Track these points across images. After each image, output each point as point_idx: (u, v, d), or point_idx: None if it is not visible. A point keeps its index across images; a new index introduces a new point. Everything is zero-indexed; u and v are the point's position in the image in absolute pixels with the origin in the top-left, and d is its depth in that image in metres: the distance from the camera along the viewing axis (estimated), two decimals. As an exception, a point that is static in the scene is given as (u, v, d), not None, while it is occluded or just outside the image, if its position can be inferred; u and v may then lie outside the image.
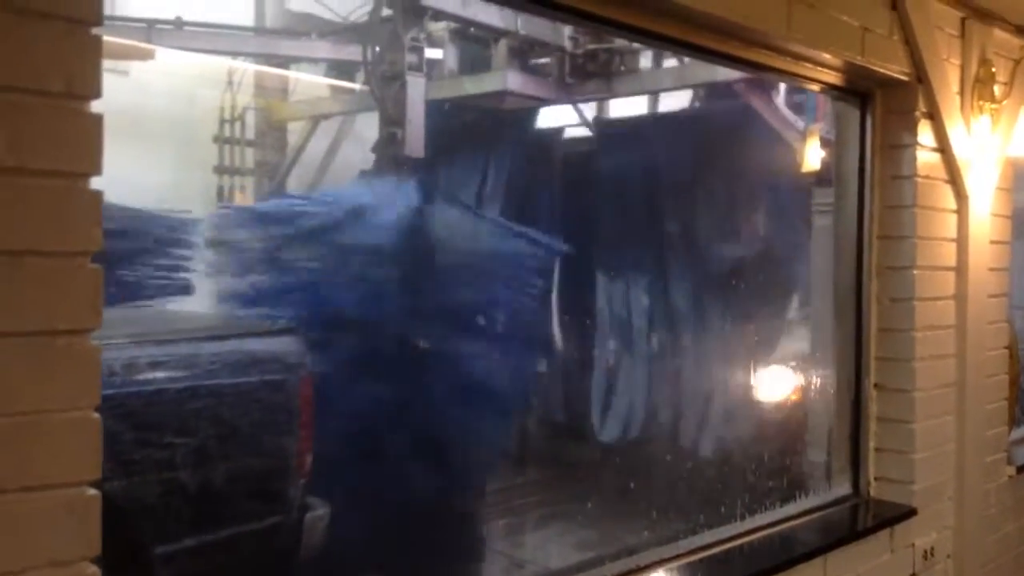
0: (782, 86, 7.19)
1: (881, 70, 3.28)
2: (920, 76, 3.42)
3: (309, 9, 7.78)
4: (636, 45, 7.22)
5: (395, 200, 5.87)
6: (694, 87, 7.66)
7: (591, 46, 7.46)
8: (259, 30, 7.71)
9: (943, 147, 3.55)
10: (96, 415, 1.33)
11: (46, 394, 1.29)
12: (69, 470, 1.32)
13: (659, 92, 7.88)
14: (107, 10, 7.27)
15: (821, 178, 6.31)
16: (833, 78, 3.31)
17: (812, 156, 5.52)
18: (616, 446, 7.41)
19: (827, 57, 3.12)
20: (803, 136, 6.36)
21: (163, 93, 7.46)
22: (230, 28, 7.30)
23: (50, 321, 1.28)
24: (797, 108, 7.00)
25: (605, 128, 8.21)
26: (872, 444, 3.47)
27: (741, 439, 6.71)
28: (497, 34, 7.22)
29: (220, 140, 7.98)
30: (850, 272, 3.51)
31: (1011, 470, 4.11)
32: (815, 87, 3.40)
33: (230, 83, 7.82)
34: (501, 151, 7.87)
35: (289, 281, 5.60)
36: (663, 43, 2.75)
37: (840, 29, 3.08)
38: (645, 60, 7.48)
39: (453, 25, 7.38)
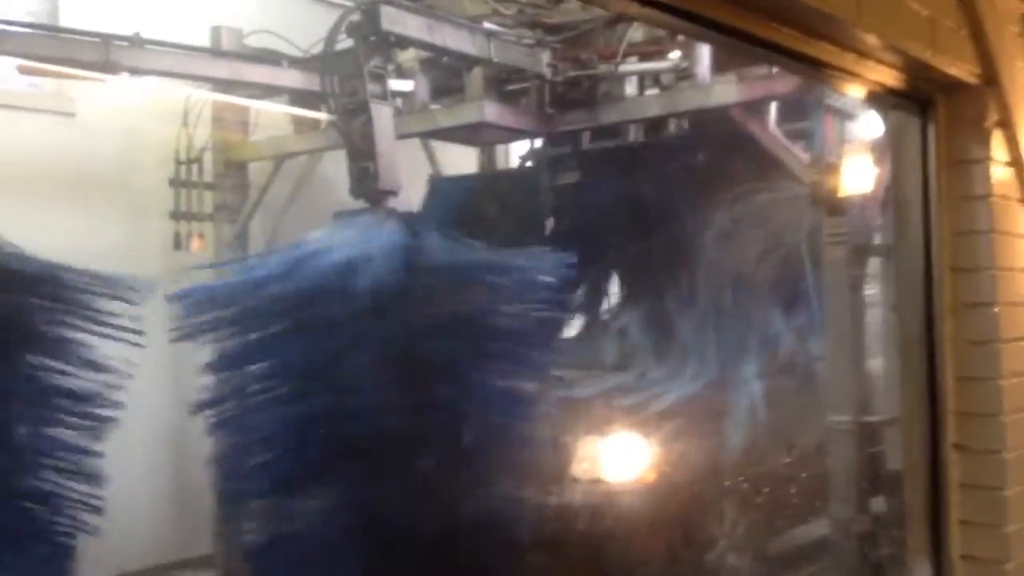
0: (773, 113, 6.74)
1: (950, 70, 2.76)
2: (990, 78, 2.91)
3: (267, 43, 7.19)
4: (622, 70, 6.72)
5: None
6: (683, 114, 7.16)
7: (572, 73, 6.95)
8: (223, 53, 7.05)
9: (1016, 161, 3.03)
10: None
11: None
12: None
13: (645, 119, 7.35)
14: (56, 21, 6.65)
15: (833, 207, 5.81)
16: (894, 80, 2.78)
17: (850, 180, 4.97)
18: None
19: (892, 55, 2.60)
20: (811, 164, 5.87)
21: (114, 132, 6.87)
22: (192, 49, 6.63)
23: None
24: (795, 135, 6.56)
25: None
26: (955, 516, 2.90)
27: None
28: (470, 62, 6.69)
29: (176, 183, 7.35)
30: (918, 311, 2.96)
31: (1094, 534, 3.55)
32: (868, 92, 2.87)
33: (186, 120, 7.20)
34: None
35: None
36: (707, 28, 2.19)
37: (910, 18, 2.56)
38: (631, 87, 6.97)
39: (423, 55, 6.84)
